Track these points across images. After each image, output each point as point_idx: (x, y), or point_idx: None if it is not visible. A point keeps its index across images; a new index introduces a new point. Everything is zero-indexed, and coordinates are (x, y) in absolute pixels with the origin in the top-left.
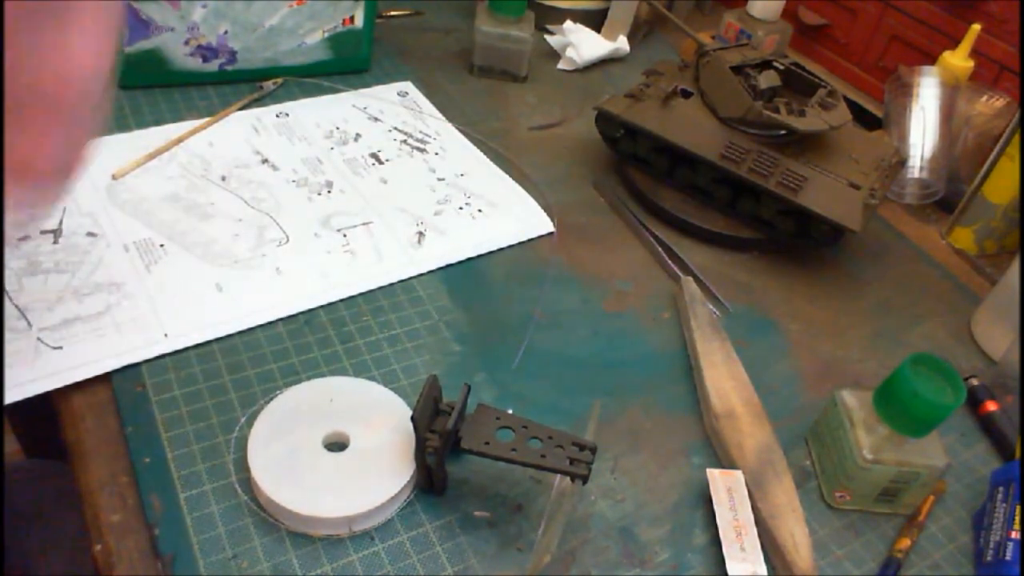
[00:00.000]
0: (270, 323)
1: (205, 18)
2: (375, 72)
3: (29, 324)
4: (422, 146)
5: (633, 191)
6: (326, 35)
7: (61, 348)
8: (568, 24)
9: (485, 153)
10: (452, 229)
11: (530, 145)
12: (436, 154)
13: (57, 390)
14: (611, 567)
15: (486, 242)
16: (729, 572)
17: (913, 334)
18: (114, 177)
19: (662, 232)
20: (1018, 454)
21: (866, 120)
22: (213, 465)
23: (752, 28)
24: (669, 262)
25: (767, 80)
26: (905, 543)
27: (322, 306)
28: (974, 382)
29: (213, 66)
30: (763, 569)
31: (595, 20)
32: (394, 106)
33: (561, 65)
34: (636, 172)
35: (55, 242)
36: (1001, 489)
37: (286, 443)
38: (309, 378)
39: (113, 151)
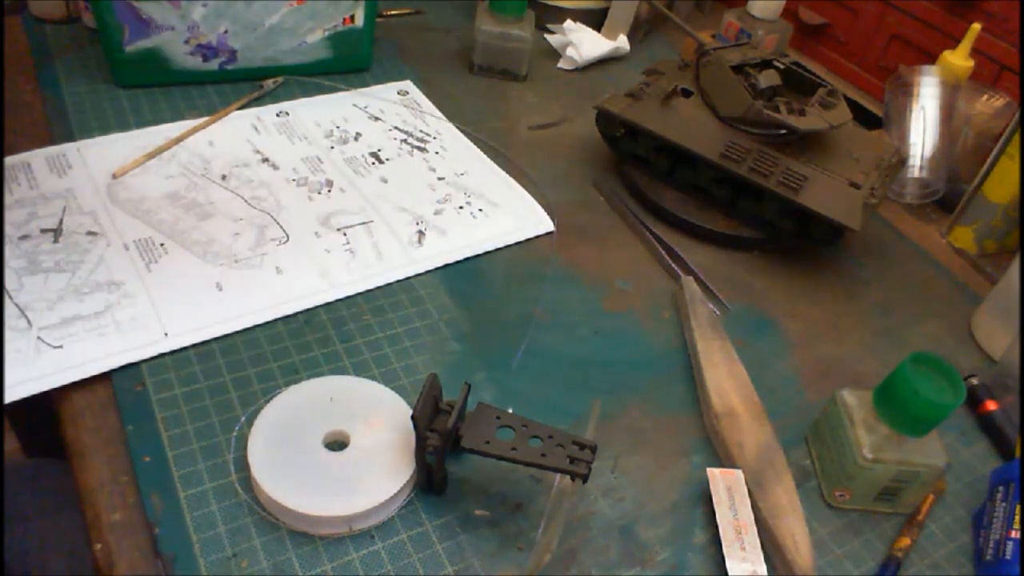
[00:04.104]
0: (270, 322)
1: (205, 17)
2: (375, 71)
3: (29, 323)
4: (422, 145)
5: (633, 190)
6: (326, 34)
7: (61, 347)
8: (568, 23)
9: (485, 152)
10: (452, 228)
11: (530, 144)
12: (436, 153)
13: (57, 389)
14: (611, 566)
15: (486, 241)
16: (729, 571)
17: (913, 334)
18: (114, 176)
19: (662, 231)
20: (1018, 453)
21: (866, 120)
22: (213, 464)
23: (752, 27)
24: (669, 261)
25: (767, 79)
26: (905, 542)
27: (322, 305)
28: (974, 382)
29: (213, 65)
30: (763, 568)
31: (595, 19)
32: (394, 105)
33: (561, 64)
34: (636, 171)
35: (55, 241)
36: (1001, 488)
37: (286, 442)
38: (309, 377)
39: (113, 150)
